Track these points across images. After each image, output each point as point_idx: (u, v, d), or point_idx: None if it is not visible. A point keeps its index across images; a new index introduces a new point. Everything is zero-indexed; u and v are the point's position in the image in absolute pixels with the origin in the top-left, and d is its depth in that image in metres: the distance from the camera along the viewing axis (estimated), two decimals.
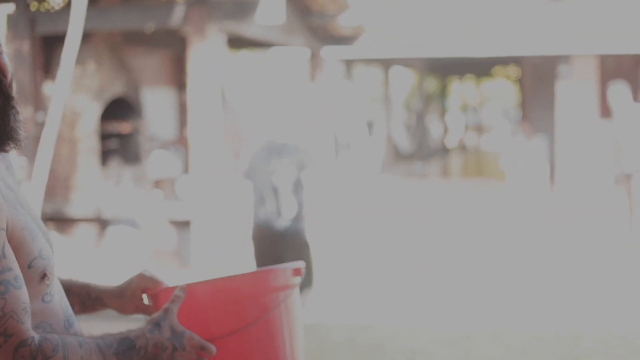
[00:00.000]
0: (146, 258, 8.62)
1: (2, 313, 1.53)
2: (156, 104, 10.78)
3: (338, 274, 8.22)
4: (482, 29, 12.44)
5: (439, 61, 19.85)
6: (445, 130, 27.98)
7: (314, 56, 12.12)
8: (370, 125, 18.71)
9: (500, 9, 12.69)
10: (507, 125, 30.81)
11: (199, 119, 8.18)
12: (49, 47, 8.88)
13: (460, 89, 32.73)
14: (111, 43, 9.33)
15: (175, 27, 8.59)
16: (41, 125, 8.15)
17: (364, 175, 16.06)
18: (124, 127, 9.62)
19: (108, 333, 1.68)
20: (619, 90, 9.75)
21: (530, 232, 10.55)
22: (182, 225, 8.55)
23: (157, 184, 10.01)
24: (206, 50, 8.11)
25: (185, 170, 10.00)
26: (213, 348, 1.71)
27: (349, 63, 16.72)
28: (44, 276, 1.64)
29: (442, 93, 27.96)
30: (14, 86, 1.70)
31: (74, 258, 8.55)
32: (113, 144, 9.65)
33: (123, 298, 1.93)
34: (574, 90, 13.16)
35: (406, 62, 19.68)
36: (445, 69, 23.84)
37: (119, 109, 9.49)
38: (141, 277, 1.92)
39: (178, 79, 11.26)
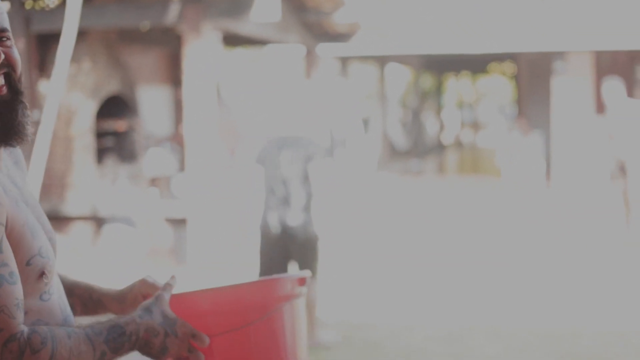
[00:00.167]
0: (142, 256, 8.61)
1: None
2: (152, 102, 10.76)
3: (335, 271, 8.21)
4: (478, 26, 12.44)
5: (434, 58, 19.86)
6: (441, 127, 27.99)
7: (310, 53, 12.11)
8: (366, 122, 18.70)
9: (495, 6, 12.68)
10: (503, 122, 30.83)
11: (195, 117, 8.17)
12: (44, 45, 8.86)
13: (456, 85, 32.75)
14: (106, 41, 9.31)
15: (170, 24, 8.58)
16: (36, 123, 8.13)
17: (360, 172, 16.05)
18: (119, 125, 9.60)
19: (98, 321, 1.66)
20: (614, 86, 9.76)
21: (527, 228, 10.55)
22: (178, 223, 8.54)
23: (153, 181, 9.99)
24: (201, 48, 8.10)
25: (181, 168, 9.98)
26: (206, 338, 1.69)
27: (344, 60, 16.72)
28: (42, 274, 1.63)
29: (438, 90, 27.97)
30: (23, 81, 1.69)
31: (70, 256, 8.53)
32: (109, 142, 9.63)
33: (124, 303, 1.91)
34: (570, 87, 13.17)
35: (402, 59, 19.68)
36: (441, 66, 23.85)
37: (115, 106, 9.47)
38: (143, 283, 1.91)
39: (173, 76, 11.24)
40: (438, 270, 8.28)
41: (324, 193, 5.69)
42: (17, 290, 1.56)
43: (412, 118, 23.06)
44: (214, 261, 8.15)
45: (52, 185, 8.87)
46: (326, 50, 12.49)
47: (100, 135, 9.43)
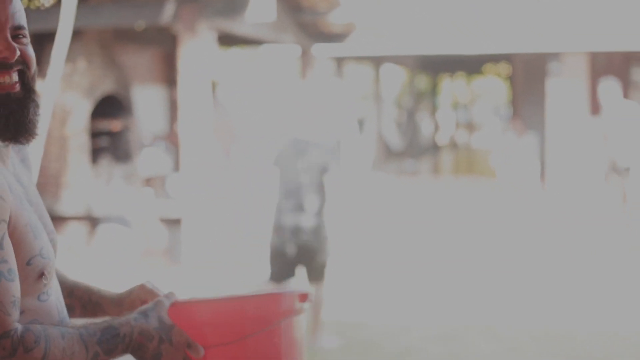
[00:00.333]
0: (137, 256, 8.59)
1: None
2: (147, 102, 10.75)
3: (332, 272, 8.20)
4: (473, 27, 12.44)
5: (429, 59, 19.85)
6: (436, 127, 27.98)
7: (305, 54, 12.10)
8: (361, 123, 18.69)
9: (490, 6, 12.69)
10: (498, 123, 30.83)
11: (190, 117, 8.16)
12: (39, 45, 8.83)
13: (451, 86, 32.75)
14: (102, 40, 9.29)
15: (165, 24, 8.56)
16: None
17: (355, 173, 16.04)
18: (114, 124, 9.58)
19: (92, 322, 1.65)
20: (610, 87, 9.77)
21: (522, 229, 10.56)
22: (173, 223, 8.53)
23: (148, 181, 9.98)
24: (197, 48, 8.09)
25: (176, 168, 9.97)
26: (201, 349, 1.66)
27: (339, 61, 16.70)
28: (42, 275, 1.62)
29: (433, 91, 27.96)
30: (36, 79, 1.68)
31: (64, 256, 8.51)
32: (103, 141, 9.61)
33: (121, 307, 1.89)
34: (565, 88, 13.18)
35: (397, 60, 19.67)
36: (436, 67, 23.84)
37: (110, 106, 9.45)
38: (142, 288, 1.89)
39: (169, 76, 11.22)
40: (434, 270, 8.28)
41: (336, 200, 5.79)
42: (15, 287, 1.55)
43: (407, 119, 23.04)
44: (208, 261, 8.13)
45: (47, 184, 8.85)
46: (321, 51, 12.48)
47: (95, 135, 9.42)
